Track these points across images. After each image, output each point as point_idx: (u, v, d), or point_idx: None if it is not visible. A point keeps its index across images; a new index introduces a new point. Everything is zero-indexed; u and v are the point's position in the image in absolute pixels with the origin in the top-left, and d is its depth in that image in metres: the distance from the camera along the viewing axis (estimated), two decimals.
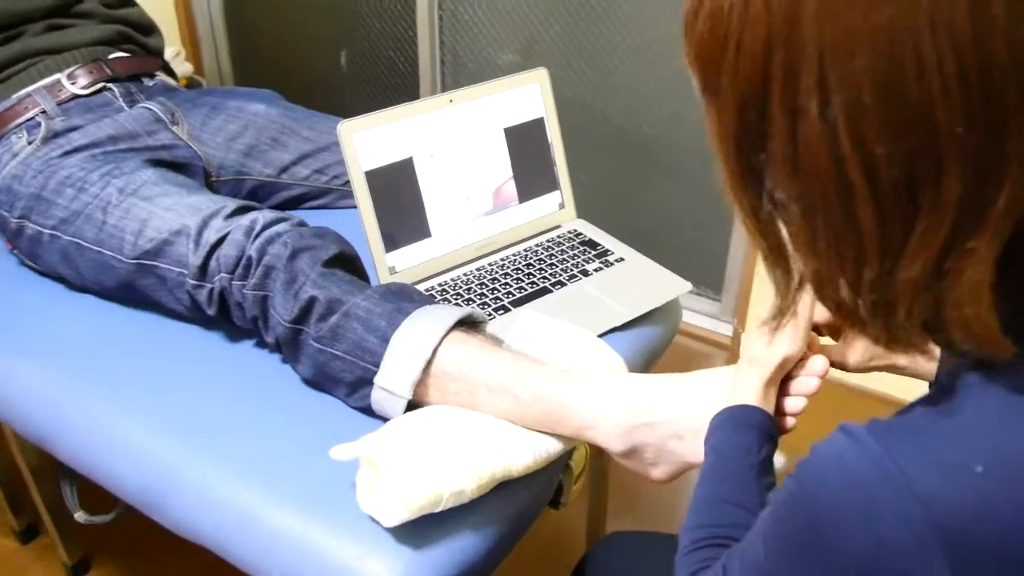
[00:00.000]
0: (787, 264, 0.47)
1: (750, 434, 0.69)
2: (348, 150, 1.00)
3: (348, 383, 0.87)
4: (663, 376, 0.82)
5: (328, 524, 0.77)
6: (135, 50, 1.32)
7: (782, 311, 0.50)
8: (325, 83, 2.54)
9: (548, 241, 1.17)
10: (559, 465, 0.90)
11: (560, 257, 1.13)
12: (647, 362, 1.04)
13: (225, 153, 1.24)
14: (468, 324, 0.88)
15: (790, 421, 0.76)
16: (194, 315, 1.00)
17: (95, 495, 1.04)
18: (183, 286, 0.97)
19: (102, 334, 1.02)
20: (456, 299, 1.05)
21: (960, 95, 0.36)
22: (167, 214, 0.99)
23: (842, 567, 0.44)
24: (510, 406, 0.82)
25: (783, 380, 0.76)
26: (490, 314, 1.02)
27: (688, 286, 1.08)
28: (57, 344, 1.00)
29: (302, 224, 0.98)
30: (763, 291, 1.86)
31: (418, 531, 0.75)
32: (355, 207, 1.02)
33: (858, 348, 0.79)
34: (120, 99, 1.22)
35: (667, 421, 0.78)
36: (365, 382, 0.86)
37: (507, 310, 1.03)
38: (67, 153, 1.09)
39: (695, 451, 0.77)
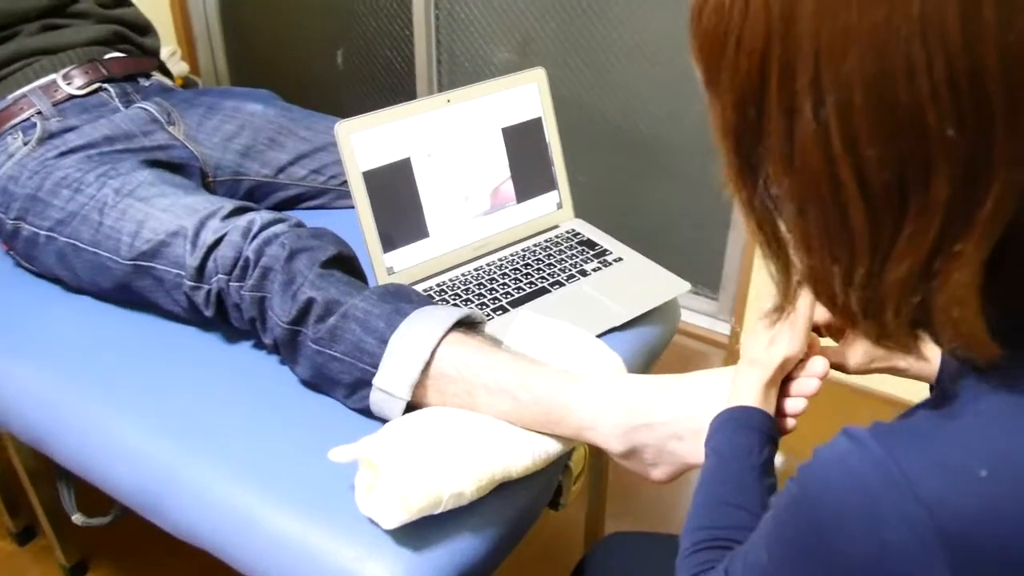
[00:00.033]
0: (786, 258, 0.47)
1: (751, 436, 0.69)
2: (346, 150, 1.00)
3: (346, 384, 0.87)
4: (662, 377, 0.82)
5: (327, 526, 0.77)
6: (131, 50, 1.31)
7: (782, 306, 0.50)
8: (321, 83, 2.53)
9: (546, 241, 1.16)
10: (558, 466, 0.90)
11: (558, 257, 1.13)
12: (646, 362, 1.04)
13: (222, 153, 1.24)
14: (466, 325, 0.88)
15: (790, 422, 0.76)
16: (191, 316, 1.00)
17: (92, 497, 1.04)
18: (180, 287, 0.97)
19: (99, 335, 1.01)
20: (454, 299, 1.04)
21: (950, 99, 0.36)
22: (164, 215, 0.99)
23: (845, 570, 0.43)
24: (509, 407, 0.82)
25: (783, 381, 0.76)
26: (488, 315, 1.02)
27: (687, 286, 1.08)
28: (54, 346, 1.00)
29: (300, 225, 0.97)
30: (761, 290, 1.86)
31: (417, 533, 0.75)
32: (353, 207, 1.02)
33: (858, 350, 0.79)
34: (116, 99, 1.21)
35: (667, 422, 0.78)
36: (364, 383, 0.86)
37: (505, 310, 1.03)
38: (63, 154, 1.09)
39: (695, 452, 0.77)
